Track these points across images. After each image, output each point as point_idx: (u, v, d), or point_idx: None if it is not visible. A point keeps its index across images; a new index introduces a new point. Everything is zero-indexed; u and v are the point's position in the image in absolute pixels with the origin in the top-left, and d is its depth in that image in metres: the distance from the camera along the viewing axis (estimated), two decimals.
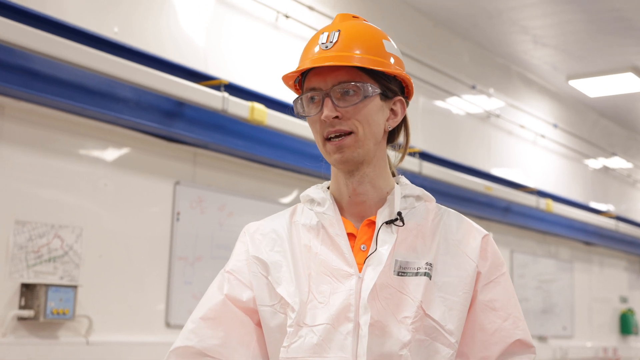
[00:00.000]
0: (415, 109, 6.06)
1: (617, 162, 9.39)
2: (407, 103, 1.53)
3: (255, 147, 4.42)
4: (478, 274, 1.48)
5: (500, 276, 1.51)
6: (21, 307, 3.44)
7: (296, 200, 4.78)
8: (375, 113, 1.46)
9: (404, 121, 1.55)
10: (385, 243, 1.45)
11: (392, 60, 1.48)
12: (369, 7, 5.58)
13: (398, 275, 1.44)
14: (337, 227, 1.48)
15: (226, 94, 4.07)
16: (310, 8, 5.02)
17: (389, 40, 1.51)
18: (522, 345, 1.48)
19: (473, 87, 6.76)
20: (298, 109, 1.49)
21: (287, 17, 4.87)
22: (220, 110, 4.05)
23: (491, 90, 7.06)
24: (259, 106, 4.22)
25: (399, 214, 1.47)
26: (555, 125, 8.02)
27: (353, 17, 1.53)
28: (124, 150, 3.97)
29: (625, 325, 9.09)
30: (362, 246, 1.47)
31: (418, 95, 6.03)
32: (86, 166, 3.78)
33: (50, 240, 3.57)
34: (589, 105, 8.61)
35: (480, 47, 6.97)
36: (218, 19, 4.53)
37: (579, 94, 8.08)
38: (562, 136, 8.17)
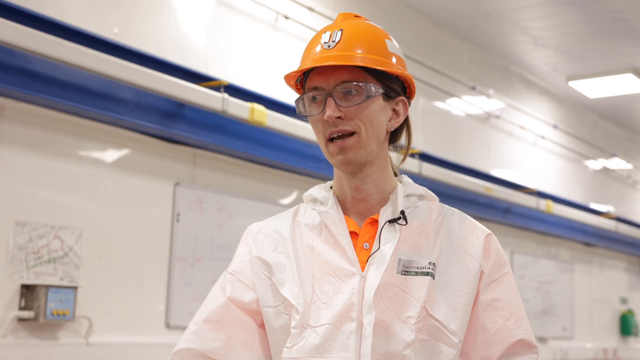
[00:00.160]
0: (415, 110, 6.06)
1: (617, 163, 9.39)
2: (409, 103, 1.53)
3: (255, 148, 4.42)
4: (481, 273, 1.47)
5: (503, 275, 1.50)
6: (21, 308, 3.43)
7: (296, 202, 4.78)
8: (378, 113, 1.45)
9: (406, 121, 1.54)
10: (388, 242, 1.44)
11: (394, 60, 1.48)
12: (369, 8, 5.58)
13: (401, 274, 1.43)
14: (340, 226, 1.48)
15: (226, 95, 4.07)
16: (310, 9, 5.02)
17: (391, 39, 1.50)
18: (524, 345, 1.48)
19: (473, 88, 6.76)
20: (300, 108, 1.48)
21: (286, 18, 4.87)
22: (220, 111, 4.05)
23: (491, 91, 7.06)
24: (258, 107, 4.22)
25: (402, 212, 1.46)
26: (555, 126, 8.02)
27: (355, 16, 1.52)
28: (123, 152, 3.97)
29: (625, 326, 9.09)
30: (364, 244, 1.46)
31: (418, 96, 6.03)
32: (86, 167, 3.78)
33: (50, 241, 3.57)
34: (589, 106, 8.61)
35: (480, 48, 6.97)
36: (218, 20, 4.53)
37: (579, 95, 8.08)
38: (562, 137, 8.17)
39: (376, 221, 1.48)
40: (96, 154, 3.85)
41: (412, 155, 5.44)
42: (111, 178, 3.88)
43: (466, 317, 1.45)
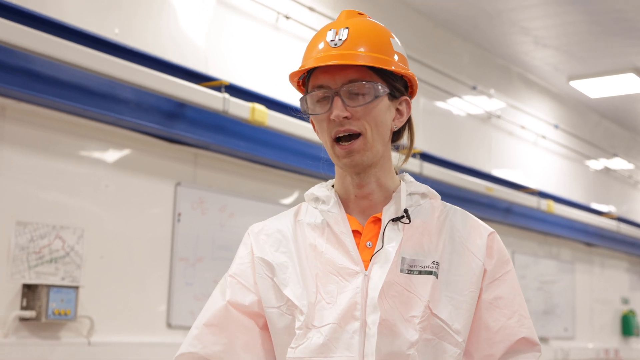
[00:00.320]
0: (416, 110, 6.05)
1: (619, 163, 9.38)
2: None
3: (256, 148, 4.42)
4: (484, 271, 1.47)
5: (505, 274, 1.50)
6: (23, 308, 3.44)
7: (297, 201, 4.78)
8: (384, 113, 1.45)
9: (409, 121, 1.53)
10: (392, 240, 1.44)
11: (396, 58, 1.47)
12: (369, 8, 5.58)
13: (405, 273, 1.42)
14: (342, 224, 1.47)
15: (227, 95, 4.07)
16: (311, 9, 5.02)
17: (394, 38, 1.50)
18: (527, 343, 1.48)
19: (474, 88, 6.76)
20: (304, 107, 1.47)
21: (287, 18, 4.87)
22: (221, 111, 4.05)
23: (492, 91, 7.06)
24: (259, 107, 4.22)
25: (406, 211, 1.46)
26: (556, 126, 8.02)
27: (359, 14, 1.51)
28: (124, 152, 3.97)
29: (626, 326, 9.08)
30: (367, 243, 1.46)
31: (419, 96, 6.03)
32: (87, 167, 3.78)
33: (52, 241, 3.58)
34: (590, 106, 8.61)
35: (480, 48, 6.97)
36: (218, 20, 4.53)
37: (580, 94, 8.08)
38: (563, 137, 8.16)
39: (379, 220, 1.47)
40: (97, 154, 3.85)
41: (414, 155, 5.44)
42: (112, 178, 3.88)
43: (470, 316, 1.45)
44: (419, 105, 6.11)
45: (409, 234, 1.46)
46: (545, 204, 7.06)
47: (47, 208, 3.58)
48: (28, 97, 3.44)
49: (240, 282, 1.50)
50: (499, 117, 7.08)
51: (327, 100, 1.43)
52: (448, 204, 1.55)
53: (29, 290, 3.45)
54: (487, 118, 7.01)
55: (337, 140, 1.43)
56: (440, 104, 6.48)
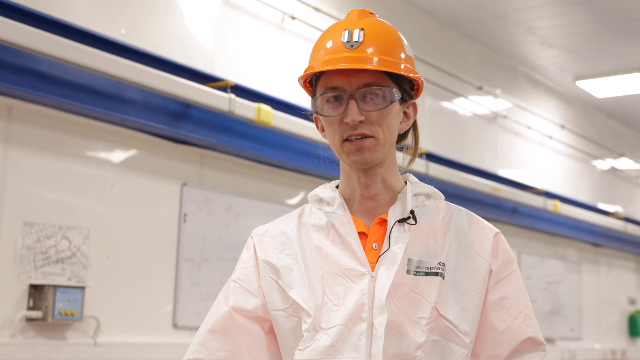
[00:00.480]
0: (422, 110, 6.05)
1: (625, 163, 9.35)
2: None
3: (262, 148, 4.42)
4: (490, 272, 1.47)
5: (510, 274, 1.50)
6: (29, 308, 3.44)
7: (303, 202, 4.77)
8: (395, 117, 1.45)
9: (414, 123, 1.54)
10: (399, 242, 1.43)
11: (403, 58, 1.46)
12: (375, 8, 5.55)
13: (411, 274, 1.42)
14: (348, 226, 1.47)
15: (233, 96, 4.07)
16: (317, 9, 5.02)
17: (404, 39, 1.50)
18: (532, 343, 1.48)
19: (480, 88, 6.75)
20: (315, 107, 1.45)
21: (293, 18, 4.88)
22: (227, 112, 4.05)
23: (498, 91, 7.05)
24: (265, 107, 4.22)
25: (412, 212, 1.45)
26: (562, 126, 8.00)
27: (370, 13, 1.50)
28: (131, 152, 3.98)
29: (633, 327, 9.05)
30: (374, 245, 1.45)
31: (425, 96, 6.03)
32: (93, 168, 3.79)
33: (58, 242, 3.58)
34: (596, 106, 8.58)
35: (486, 48, 6.96)
36: (224, 21, 4.54)
37: (587, 94, 8.06)
38: (570, 137, 8.14)
39: (385, 221, 1.47)
40: (104, 155, 3.86)
41: (420, 156, 5.43)
42: (118, 178, 3.89)
43: (477, 317, 1.45)
44: (425, 105, 6.10)
45: (414, 235, 1.46)
46: (551, 204, 7.05)
47: (53, 208, 3.59)
48: (34, 97, 3.45)
49: (243, 286, 1.49)
50: (505, 117, 7.07)
51: (339, 101, 1.42)
52: (452, 204, 1.55)
53: (36, 291, 3.46)
54: (493, 118, 7.00)
55: (347, 139, 1.43)
56: (446, 104, 6.47)
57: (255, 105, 4.19)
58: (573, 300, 7.95)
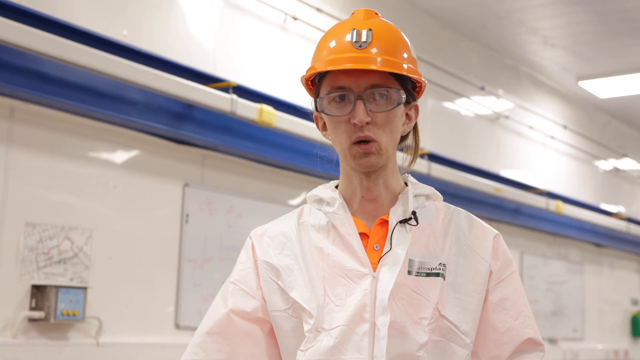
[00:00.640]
0: (424, 111, 6.05)
1: (628, 164, 9.34)
2: None
3: (264, 149, 4.42)
4: (490, 273, 1.48)
5: (509, 275, 1.50)
6: (32, 309, 3.45)
7: (305, 202, 4.77)
8: (399, 119, 1.46)
9: (415, 125, 1.54)
10: (400, 243, 1.43)
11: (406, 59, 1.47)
12: (377, 9, 5.53)
13: (413, 275, 1.43)
14: (349, 226, 1.46)
15: (235, 96, 4.08)
16: (319, 10, 5.02)
17: (408, 40, 1.50)
18: (532, 344, 1.49)
19: (482, 89, 6.74)
20: (321, 106, 1.45)
21: (295, 19, 4.88)
22: (228, 112, 4.06)
23: (500, 92, 7.05)
24: (267, 108, 4.22)
25: (414, 213, 1.46)
26: (565, 127, 7.99)
27: (375, 14, 1.50)
28: (133, 153, 3.98)
29: (636, 327, 9.04)
30: (375, 245, 1.45)
31: (427, 96, 6.03)
32: (95, 168, 3.80)
33: (61, 242, 3.59)
34: (599, 106, 8.57)
35: (489, 49, 6.96)
36: (226, 21, 4.54)
37: (589, 95, 8.05)
38: (572, 137, 8.14)
39: (386, 222, 1.47)
40: (105, 155, 3.86)
41: (421, 156, 5.42)
42: (120, 179, 3.89)
43: (477, 318, 1.46)
44: (427, 106, 6.10)
45: (415, 236, 1.46)
46: (554, 205, 7.04)
47: (55, 209, 3.60)
48: (36, 98, 3.45)
49: (241, 288, 1.48)
50: (507, 117, 7.07)
51: (345, 101, 1.42)
52: (451, 205, 1.55)
53: (38, 291, 3.46)
54: (496, 118, 7.00)
55: (356, 142, 1.42)
56: (448, 104, 6.47)
57: (257, 105, 4.19)
58: (575, 301, 7.94)
